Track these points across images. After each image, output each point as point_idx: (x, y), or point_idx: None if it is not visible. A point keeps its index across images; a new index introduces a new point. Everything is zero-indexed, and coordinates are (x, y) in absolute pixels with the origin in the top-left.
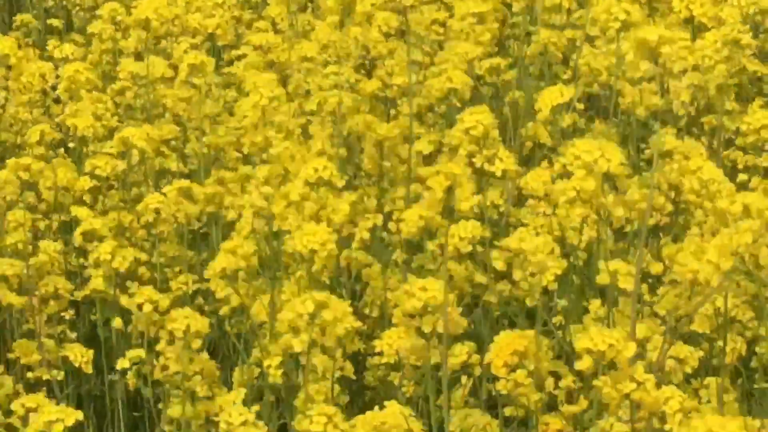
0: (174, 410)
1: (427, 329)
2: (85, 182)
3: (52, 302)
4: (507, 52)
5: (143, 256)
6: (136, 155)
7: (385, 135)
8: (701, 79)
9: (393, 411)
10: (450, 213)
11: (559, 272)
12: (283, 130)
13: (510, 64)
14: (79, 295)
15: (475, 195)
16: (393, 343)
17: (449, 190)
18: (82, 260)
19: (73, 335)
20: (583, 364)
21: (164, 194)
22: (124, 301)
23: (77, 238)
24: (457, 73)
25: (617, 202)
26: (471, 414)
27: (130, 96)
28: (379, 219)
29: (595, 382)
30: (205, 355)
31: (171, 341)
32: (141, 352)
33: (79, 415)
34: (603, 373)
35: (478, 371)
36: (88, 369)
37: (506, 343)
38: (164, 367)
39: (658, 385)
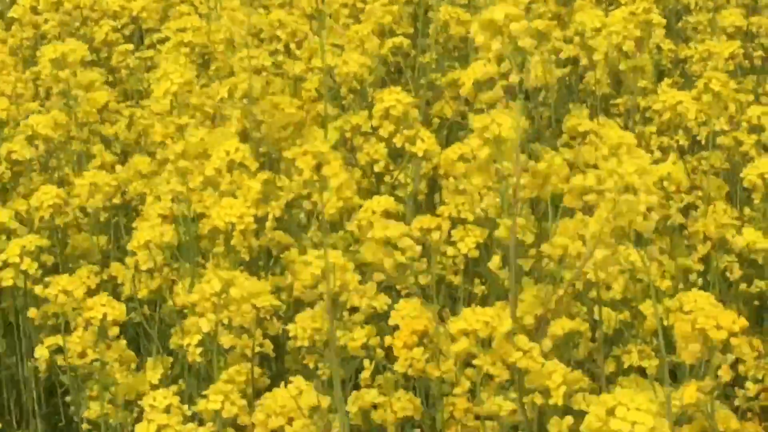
0: (91, 411)
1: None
2: None
3: None
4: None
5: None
6: (40, 143)
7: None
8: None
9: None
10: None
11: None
12: (198, 113)
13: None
14: None
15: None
16: (306, 326)
17: (317, 169)
18: None
19: None
20: (460, 345)
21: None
22: (38, 291)
23: None
24: (354, 56)
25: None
26: (369, 393)
27: (49, 81)
28: (290, 197)
29: (475, 362)
30: (122, 342)
31: (87, 329)
32: (58, 339)
33: None
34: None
35: (380, 354)
36: None
37: (406, 324)
38: (82, 354)
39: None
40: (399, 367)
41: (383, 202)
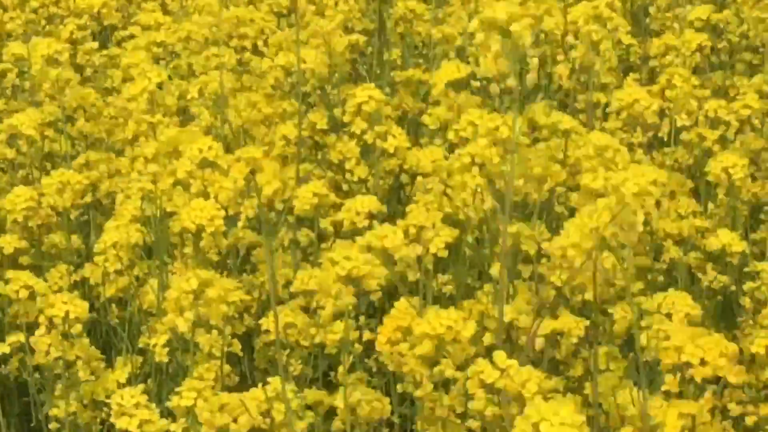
0: (58, 410)
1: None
2: None
3: None
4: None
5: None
6: (22, 143)
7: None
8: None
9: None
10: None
11: (450, 240)
12: (169, 113)
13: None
14: None
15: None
16: (280, 321)
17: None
18: None
19: None
20: (423, 348)
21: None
22: None
23: None
24: (311, 54)
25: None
26: (357, 390)
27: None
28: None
29: (436, 369)
30: (85, 340)
31: (50, 327)
32: (21, 336)
33: None
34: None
35: (358, 348)
36: None
37: (390, 319)
38: (45, 353)
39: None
40: (387, 361)
41: (367, 202)
